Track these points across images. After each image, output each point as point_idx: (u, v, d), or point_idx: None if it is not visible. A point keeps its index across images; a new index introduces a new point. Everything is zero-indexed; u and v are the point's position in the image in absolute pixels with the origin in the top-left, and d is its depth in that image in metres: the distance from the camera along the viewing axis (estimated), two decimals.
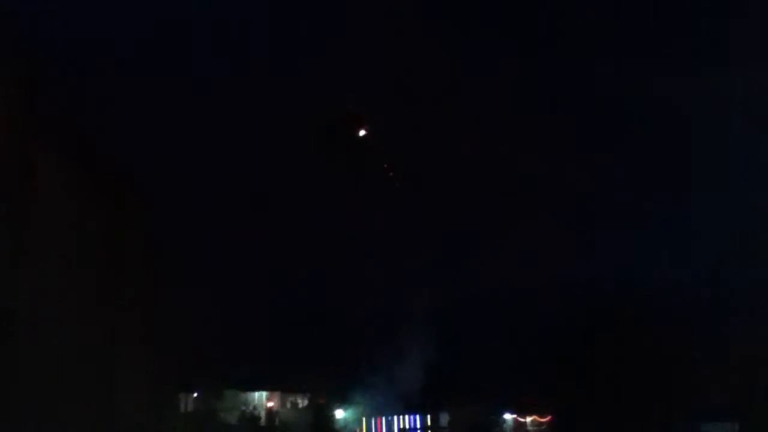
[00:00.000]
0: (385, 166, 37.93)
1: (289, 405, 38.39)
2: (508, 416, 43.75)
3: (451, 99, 39.95)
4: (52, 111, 18.20)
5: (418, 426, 44.10)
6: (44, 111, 17.56)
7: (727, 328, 30.45)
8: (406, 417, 44.41)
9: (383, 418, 44.33)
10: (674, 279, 32.86)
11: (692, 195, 35.02)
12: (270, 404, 36.48)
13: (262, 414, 33.79)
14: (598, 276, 34.50)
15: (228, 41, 38.06)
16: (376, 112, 37.56)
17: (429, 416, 43.97)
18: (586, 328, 32.76)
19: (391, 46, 37.79)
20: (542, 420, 43.22)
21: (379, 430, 44.46)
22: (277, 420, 33.32)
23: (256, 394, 36.40)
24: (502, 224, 39.28)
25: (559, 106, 39.76)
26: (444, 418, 43.53)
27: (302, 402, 38.83)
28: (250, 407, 34.01)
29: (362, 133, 36.10)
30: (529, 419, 43.76)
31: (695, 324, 31.09)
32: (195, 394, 33.53)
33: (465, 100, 40.37)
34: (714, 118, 33.31)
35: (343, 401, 39.18)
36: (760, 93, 29.41)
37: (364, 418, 42.82)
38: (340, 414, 38.61)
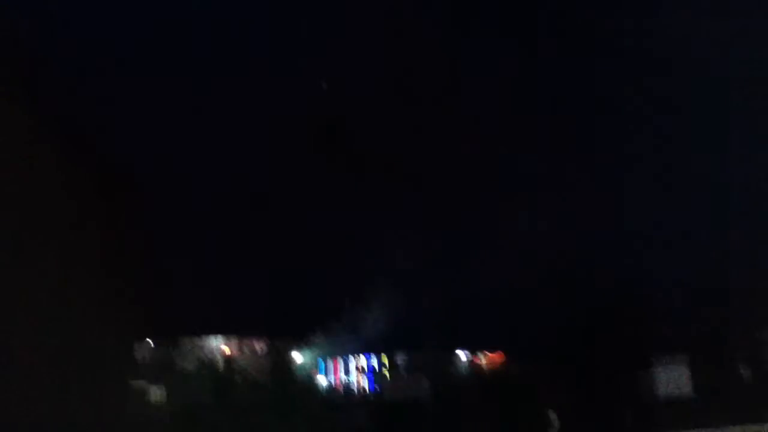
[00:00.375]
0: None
1: (246, 350, 38.46)
2: (462, 355, 44.59)
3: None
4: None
5: (375, 365, 44.71)
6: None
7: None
8: (363, 357, 44.95)
9: (341, 359, 44.81)
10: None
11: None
12: (227, 350, 36.49)
13: (220, 360, 33.79)
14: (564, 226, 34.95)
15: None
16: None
17: (386, 356, 44.56)
18: (547, 271, 33.18)
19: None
20: (496, 357, 44.24)
21: (336, 370, 44.98)
22: (234, 365, 33.35)
23: (213, 340, 36.33)
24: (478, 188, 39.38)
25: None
26: (401, 358, 44.16)
27: (260, 347, 38.90)
28: (207, 354, 33.99)
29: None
30: (483, 357, 44.72)
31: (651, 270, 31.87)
32: (150, 343, 33.29)
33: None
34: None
35: (301, 344, 39.35)
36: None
37: (321, 360, 43.21)
38: (298, 357, 38.84)
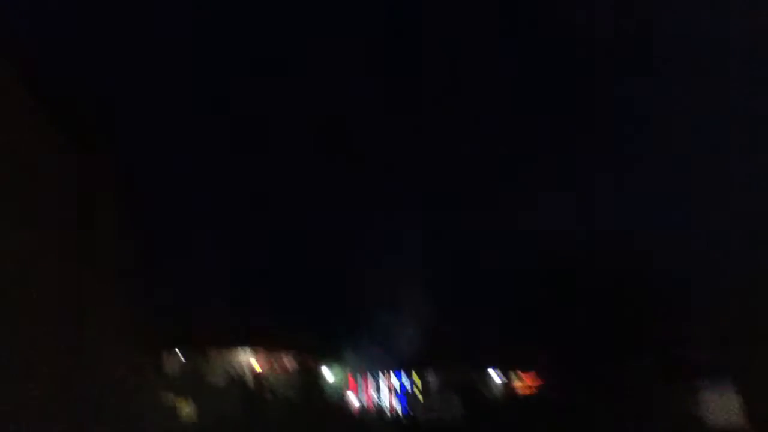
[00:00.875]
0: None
1: (276, 365, 37.76)
2: (494, 374, 43.54)
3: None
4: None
5: (407, 384, 43.88)
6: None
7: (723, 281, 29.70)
8: (393, 374, 44.14)
9: (371, 376, 44.03)
10: (668, 234, 32.22)
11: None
12: (257, 364, 35.82)
13: (249, 374, 33.11)
14: (591, 231, 33.83)
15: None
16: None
17: (418, 373, 43.71)
18: (577, 283, 32.01)
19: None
20: (531, 378, 43.00)
21: (366, 387, 44.20)
22: (264, 381, 32.66)
23: (242, 354, 35.67)
24: (495, 179, 38.66)
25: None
26: (432, 376, 43.25)
27: (290, 361, 38.19)
28: (237, 368, 33.31)
29: None
30: (518, 377, 43.55)
31: (691, 279, 30.42)
32: (180, 355, 32.79)
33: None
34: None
35: (332, 360, 38.70)
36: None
37: (351, 376, 42.45)
38: (328, 373, 38.17)
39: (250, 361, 35.19)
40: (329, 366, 38.05)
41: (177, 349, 32.10)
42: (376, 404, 42.23)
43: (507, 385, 42.72)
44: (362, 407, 40.96)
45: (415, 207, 39.68)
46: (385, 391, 43.61)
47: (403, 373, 43.42)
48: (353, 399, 41.94)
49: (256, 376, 33.42)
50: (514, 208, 37.83)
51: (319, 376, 36.19)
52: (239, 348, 35.45)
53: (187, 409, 29.70)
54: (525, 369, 42.96)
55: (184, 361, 32.39)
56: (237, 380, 31.71)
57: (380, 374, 43.44)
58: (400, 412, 40.08)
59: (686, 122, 34.72)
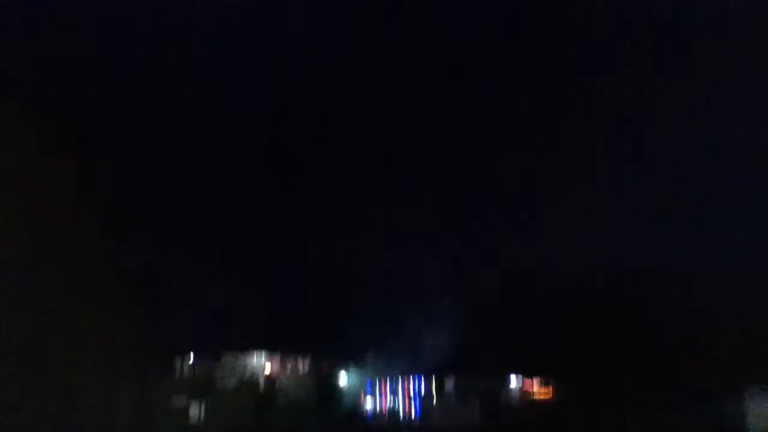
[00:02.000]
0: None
1: (289, 369, 37.34)
2: (514, 379, 42.82)
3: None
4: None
5: (424, 388, 43.29)
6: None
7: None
8: (412, 379, 43.57)
9: (388, 381, 43.50)
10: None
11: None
12: (270, 368, 35.44)
13: (262, 379, 32.72)
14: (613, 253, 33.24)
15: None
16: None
17: (436, 379, 43.09)
18: (595, 304, 31.46)
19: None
20: (549, 385, 42.28)
21: (383, 392, 43.66)
22: (277, 385, 32.25)
23: (255, 357, 35.32)
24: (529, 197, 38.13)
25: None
26: (450, 382, 42.65)
27: (304, 365, 37.76)
28: (249, 372, 32.96)
29: None
30: (536, 384, 42.81)
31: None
32: (191, 358, 32.54)
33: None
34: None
35: (348, 364, 38.24)
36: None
37: (369, 381, 42.00)
38: (343, 377, 37.73)
39: (263, 364, 34.88)
40: (346, 369, 37.59)
41: (189, 353, 31.90)
42: (391, 409, 41.69)
43: (525, 391, 41.95)
44: (377, 412, 40.44)
45: (434, 211, 39.06)
46: (401, 397, 43.06)
47: (422, 379, 42.83)
48: (368, 403, 41.48)
49: (269, 379, 33.03)
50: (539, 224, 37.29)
51: (334, 379, 35.68)
52: (254, 351, 35.14)
53: (198, 412, 29.45)
54: (547, 376, 42.26)
55: (195, 364, 32.20)
56: (249, 383, 31.36)
57: (398, 378, 42.88)
58: (415, 418, 39.49)
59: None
